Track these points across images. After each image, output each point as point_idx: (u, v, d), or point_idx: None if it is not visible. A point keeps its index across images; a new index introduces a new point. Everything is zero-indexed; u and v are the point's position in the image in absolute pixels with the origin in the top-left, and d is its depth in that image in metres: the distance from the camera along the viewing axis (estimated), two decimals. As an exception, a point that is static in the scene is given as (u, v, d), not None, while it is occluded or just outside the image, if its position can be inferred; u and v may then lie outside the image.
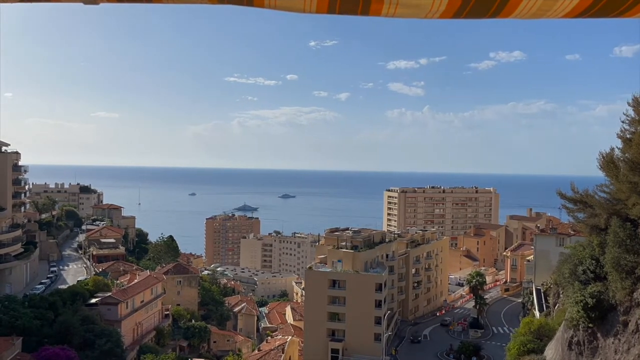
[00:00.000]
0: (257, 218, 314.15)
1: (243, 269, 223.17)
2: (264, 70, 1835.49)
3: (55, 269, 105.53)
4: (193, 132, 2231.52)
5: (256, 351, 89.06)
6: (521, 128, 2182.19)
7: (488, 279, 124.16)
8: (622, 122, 38.75)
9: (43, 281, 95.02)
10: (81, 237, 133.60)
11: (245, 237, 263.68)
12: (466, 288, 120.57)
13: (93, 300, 79.77)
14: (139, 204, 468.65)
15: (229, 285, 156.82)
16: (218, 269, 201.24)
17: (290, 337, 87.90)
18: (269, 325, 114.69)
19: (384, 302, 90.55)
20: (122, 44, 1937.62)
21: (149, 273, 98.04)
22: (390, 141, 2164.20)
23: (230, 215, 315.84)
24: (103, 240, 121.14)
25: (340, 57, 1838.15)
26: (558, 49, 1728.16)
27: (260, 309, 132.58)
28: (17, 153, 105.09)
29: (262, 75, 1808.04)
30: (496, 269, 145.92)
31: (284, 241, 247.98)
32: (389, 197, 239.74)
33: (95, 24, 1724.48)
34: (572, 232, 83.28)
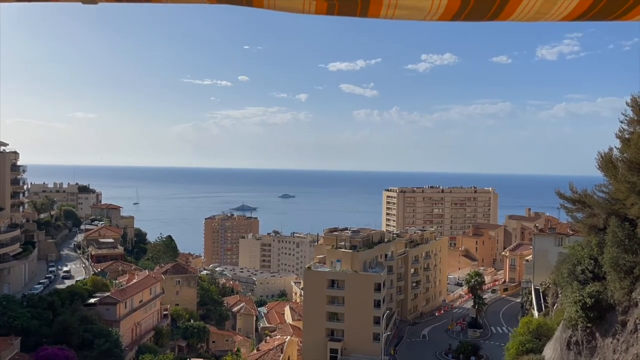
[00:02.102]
0: (256, 218, 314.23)
1: (242, 268, 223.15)
2: (214, 72, 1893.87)
3: (53, 268, 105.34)
4: (175, 132, 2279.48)
5: (255, 351, 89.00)
6: (490, 128, 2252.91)
7: (487, 278, 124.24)
8: (621, 122, 38.80)
9: (41, 281, 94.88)
10: (80, 237, 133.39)
11: (244, 237, 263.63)
12: (465, 288, 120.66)
13: (92, 300, 79.70)
14: (137, 203, 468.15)
15: (228, 285, 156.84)
16: (217, 268, 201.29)
17: (289, 337, 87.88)
18: (267, 325, 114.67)
19: (383, 301, 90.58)
20: (87, 45, 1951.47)
21: (147, 273, 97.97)
22: (369, 141, 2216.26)
23: (229, 215, 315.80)
24: (102, 240, 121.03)
25: (278, 60, 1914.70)
26: (485, 52, 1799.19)
27: (259, 309, 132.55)
28: (15, 153, 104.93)
29: (211, 77, 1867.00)
30: (495, 269, 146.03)
31: (282, 241, 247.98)
32: (387, 197, 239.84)
33: (64, 26, 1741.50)
34: (570, 232, 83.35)
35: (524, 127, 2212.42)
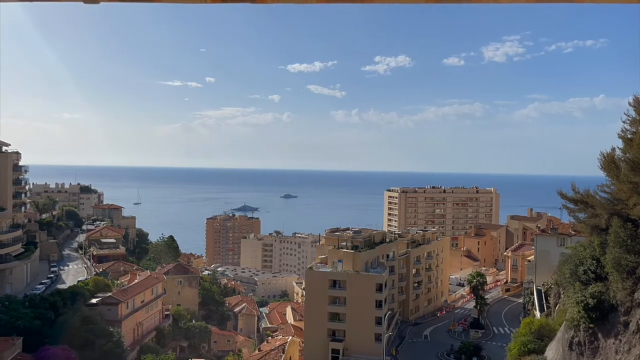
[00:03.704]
0: (258, 218, 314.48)
1: (243, 269, 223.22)
2: (179, 74, 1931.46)
3: (55, 269, 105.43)
4: (163, 133, 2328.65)
5: (256, 351, 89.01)
6: (468, 128, 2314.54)
7: (489, 279, 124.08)
8: (623, 122, 38.67)
9: (43, 281, 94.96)
10: (81, 237, 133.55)
11: (246, 237, 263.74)
12: (467, 288, 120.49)
13: (93, 301, 79.75)
14: (139, 203, 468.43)
15: (230, 285, 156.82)
16: (218, 269, 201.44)
17: (290, 337, 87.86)
18: (269, 326, 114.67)
19: (385, 302, 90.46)
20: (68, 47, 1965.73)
21: (149, 273, 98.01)
22: (356, 141, 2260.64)
23: (230, 215, 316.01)
24: (103, 240, 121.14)
25: (237, 63, 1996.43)
26: (435, 53, 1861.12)
27: (260, 309, 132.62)
28: (17, 153, 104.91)
29: (179, 78, 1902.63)
30: (497, 269, 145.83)
31: (284, 241, 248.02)
32: (389, 197, 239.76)
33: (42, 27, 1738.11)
34: (572, 233, 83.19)
35: (502, 127, 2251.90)
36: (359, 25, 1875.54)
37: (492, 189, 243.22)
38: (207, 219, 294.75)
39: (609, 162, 38.46)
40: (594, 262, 39.54)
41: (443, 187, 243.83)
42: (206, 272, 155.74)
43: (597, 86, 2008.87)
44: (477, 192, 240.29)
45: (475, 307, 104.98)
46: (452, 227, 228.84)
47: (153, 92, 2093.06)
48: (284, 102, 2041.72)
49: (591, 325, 36.97)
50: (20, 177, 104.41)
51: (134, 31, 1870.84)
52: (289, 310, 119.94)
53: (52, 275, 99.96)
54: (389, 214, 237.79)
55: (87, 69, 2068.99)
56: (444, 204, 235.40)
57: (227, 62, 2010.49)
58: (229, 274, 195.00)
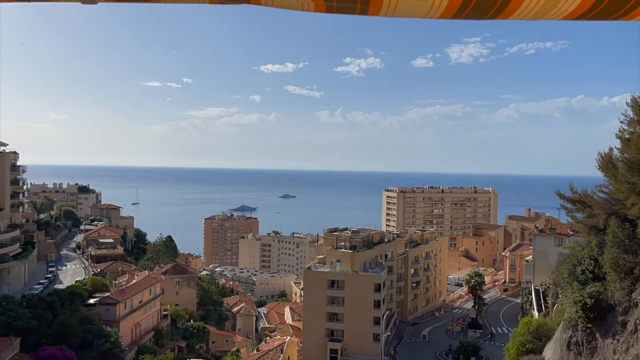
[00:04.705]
0: (256, 218, 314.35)
1: (242, 269, 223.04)
2: (157, 75, 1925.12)
3: (53, 269, 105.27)
4: (152, 133, 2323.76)
5: (255, 351, 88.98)
6: (450, 128, 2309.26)
7: (487, 279, 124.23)
8: (621, 122, 38.77)
9: (41, 281, 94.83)
10: (79, 237, 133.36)
11: (244, 237, 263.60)
12: (465, 288, 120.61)
13: (91, 301, 79.62)
14: (137, 203, 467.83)
15: (228, 285, 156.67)
16: (217, 269, 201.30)
17: (289, 337, 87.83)
18: (267, 326, 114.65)
19: (383, 302, 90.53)
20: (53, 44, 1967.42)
21: (147, 273, 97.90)
22: (346, 141, 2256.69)
23: (228, 215, 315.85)
24: (101, 240, 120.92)
25: (209, 64, 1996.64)
26: (404, 55, 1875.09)
27: (259, 309, 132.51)
28: (15, 153, 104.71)
29: (157, 79, 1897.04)
30: (495, 269, 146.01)
31: (282, 241, 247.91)
32: (387, 197, 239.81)
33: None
34: (571, 233, 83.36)
35: (484, 127, 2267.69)
36: (326, 27, 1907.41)
37: (490, 188, 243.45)
38: (205, 219, 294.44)
39: (607, 162, 38.55)
40: (592, 262, 39.63)
41: (441, 187, 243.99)
42: (204, 272, 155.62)
43: (567, 87, 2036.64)
44: (475, 192, 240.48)
45: (474, 307, 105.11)
46: (451, 227, 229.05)
47: (134, 93, 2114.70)
48: (265, 103, 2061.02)
49: (589, 325, 37.04)
50: (18, 177, 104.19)
51: (107, 32, 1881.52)
52: (287, 310, 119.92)
53: (50, 276, 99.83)
54: (387, 214, 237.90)
55: (71, 68, 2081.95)
56: (442, 204, 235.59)
57: (201, 64, 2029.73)
58: (227, 274, 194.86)
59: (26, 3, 3.33)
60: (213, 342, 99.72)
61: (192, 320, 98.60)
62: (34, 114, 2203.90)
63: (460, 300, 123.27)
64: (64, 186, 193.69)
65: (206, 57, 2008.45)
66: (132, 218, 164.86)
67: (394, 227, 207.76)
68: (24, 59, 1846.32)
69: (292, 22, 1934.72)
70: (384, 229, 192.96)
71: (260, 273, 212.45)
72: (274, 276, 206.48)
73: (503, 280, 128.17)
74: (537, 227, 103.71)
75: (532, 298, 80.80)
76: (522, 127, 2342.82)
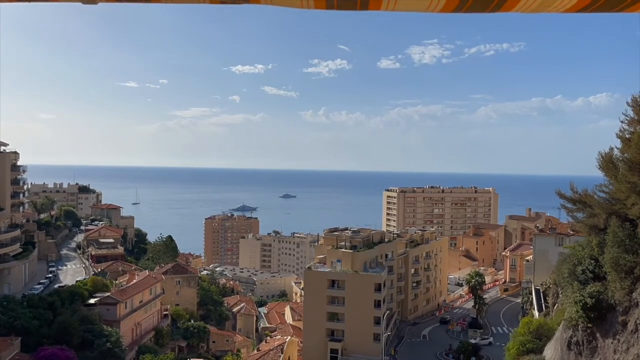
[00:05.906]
0: (256, 218, 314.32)
1: (242, 269, 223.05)
2: (131, 75, 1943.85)
3: (54, 269, 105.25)
4: (142, 132, 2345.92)
5: (255, 351, 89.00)
6: (434, 128, 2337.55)
7: (487, 279, 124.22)
8: (621, 122, 38.73)
9: (42, 281, 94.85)
10: (80, 237, 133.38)
11: (244, 237, 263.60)
12: (465, 288, 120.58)
13: (92, 301, 79.64)
14: (137, 203, 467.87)
15: (228, 285, 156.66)
16: (217, 269, 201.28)
17: (289, 337, 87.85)
18: (268, 326, 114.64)
19: (383, 302, 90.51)
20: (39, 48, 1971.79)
21: (147, 273, 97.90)
22: (337, 140, 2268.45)
23: (229, 215, 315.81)
24: (102, 240, 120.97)
25: (178, 65, 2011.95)
26: (368, 56, 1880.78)
27: (259, 309, 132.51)
28: (15, 153, 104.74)
29: (132, 79, 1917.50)
30: (495, 269, 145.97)
31: (283, 241, 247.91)
32: (388, 197, 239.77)
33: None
34: (571, 232, 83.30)
35: (467, 127, 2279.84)
36: (290, 28, 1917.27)
37: (490, 188, 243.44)
38: (205, 218, 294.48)
39: (607, 162, 38.52)
40: (593, 261, 39.59)
41: (442, 187, 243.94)
42: (205, 272, 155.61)
43: (535, 87, 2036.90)
44: (475, 192, 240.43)
45: (474, 306, 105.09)
46: (451, 227, 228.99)
47: (116, 93, 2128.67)
48: (246, 103, 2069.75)
49: (589, 325, 37.02)
50: (18, 176, 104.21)
51: (78, 33, 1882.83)
52: (287, 310, 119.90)
53: (50, 275, 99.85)
54: (388, 214, 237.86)
55: (58, 69, 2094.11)
56: (442, 203, 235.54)
57: (173, 65, 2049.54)
58: (228, 274, 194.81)
59: (26, 3, 3.32)
60: (213, 342, 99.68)
61: (192, 320, 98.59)
62: (23, 114, 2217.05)
63: (460, 300, 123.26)
64: (65, 186, 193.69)
65: (177, 59, 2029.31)
66: (132, 218, 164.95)
67: (394, 227, 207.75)
68: (13, 59, 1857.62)
69: (257, 22, 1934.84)
70: (384, 228, 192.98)
71: (261, 273, 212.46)
72: (274, 276, 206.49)
73: (503, 280, 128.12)
74: (538, 226, 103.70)
75: (532, 298, 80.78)
76: (504, 127, 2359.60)
